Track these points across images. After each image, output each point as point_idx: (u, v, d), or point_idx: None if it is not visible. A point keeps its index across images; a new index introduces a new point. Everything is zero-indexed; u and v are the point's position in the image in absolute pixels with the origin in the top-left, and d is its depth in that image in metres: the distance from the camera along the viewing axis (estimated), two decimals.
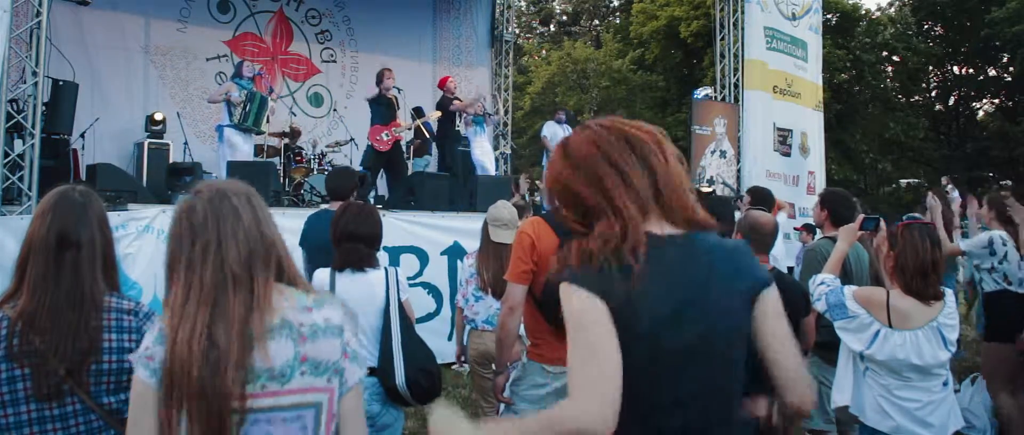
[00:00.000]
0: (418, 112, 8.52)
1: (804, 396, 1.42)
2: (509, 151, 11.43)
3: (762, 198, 4.83)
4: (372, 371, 2.74)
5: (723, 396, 1.37)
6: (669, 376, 1.31)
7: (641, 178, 1.37)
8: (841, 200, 3.80)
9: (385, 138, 7.78)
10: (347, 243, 2.87)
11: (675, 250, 1.35)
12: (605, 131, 1.42)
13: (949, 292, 2.74)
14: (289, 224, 5.52)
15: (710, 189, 8.39)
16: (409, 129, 8.16)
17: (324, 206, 5.43)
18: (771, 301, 1.42)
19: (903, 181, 22.29)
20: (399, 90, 8.02)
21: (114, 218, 4.58)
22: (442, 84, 8.80)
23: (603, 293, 1.28)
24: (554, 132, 9.54)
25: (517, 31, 20.26)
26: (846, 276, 3.27)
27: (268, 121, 7.69)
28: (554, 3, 30.87)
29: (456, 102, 8.45)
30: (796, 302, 2.98)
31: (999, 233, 4.32)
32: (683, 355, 1.31)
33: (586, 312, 1.28)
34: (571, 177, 1.42)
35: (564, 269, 1.35)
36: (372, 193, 7.98)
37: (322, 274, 2.86)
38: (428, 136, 8.55)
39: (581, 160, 1.41)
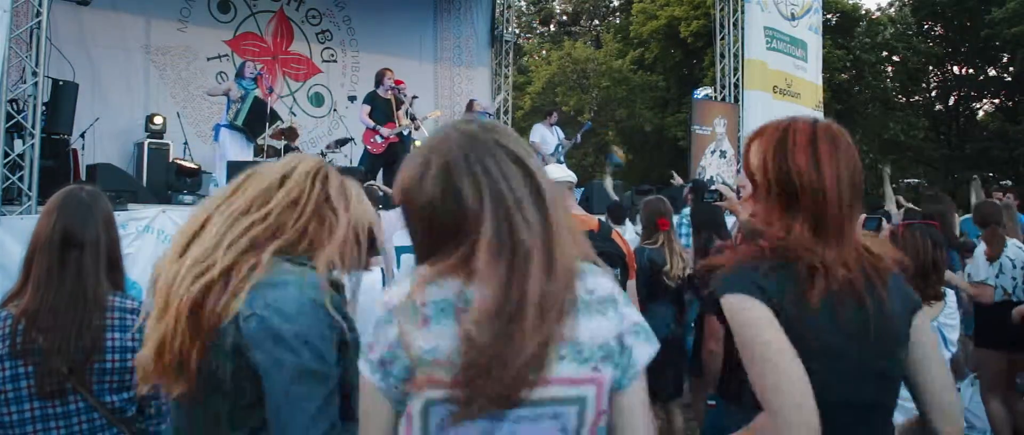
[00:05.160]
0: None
1: (954, 425, 1.40)
2: None
3: (699, 189, 4.86)
4: None
5: (881, 411, 1.38)
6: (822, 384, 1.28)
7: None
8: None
9: (379, 141, 7.79)
10: None
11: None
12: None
13: (950, 292, 2.74)
14: None
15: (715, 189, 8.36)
16: (414, 128, 8.14)
17: None
18: (922, 324, 1.40)
19: (903, 181, 22.30)
20: (415, 97, 8.11)
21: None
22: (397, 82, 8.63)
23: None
24: (544, 136, 9.14)
25: (517, 31, 20.22)
26: None
27: (272, 127, 7.67)
28: (554, 3, 30.87)
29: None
30: None
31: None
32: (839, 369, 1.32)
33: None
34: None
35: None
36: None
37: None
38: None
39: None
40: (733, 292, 1.32)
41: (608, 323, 1.12)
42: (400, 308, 1.09)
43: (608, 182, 8.60)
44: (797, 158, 1.34)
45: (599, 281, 1.15)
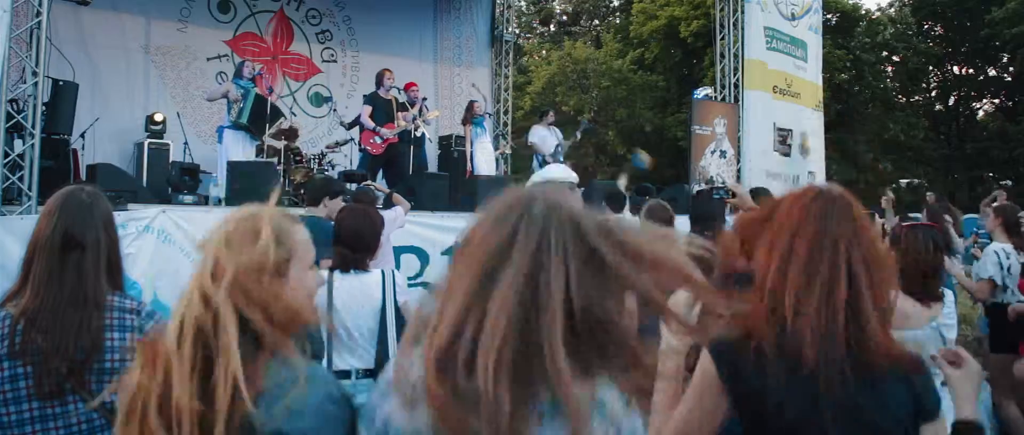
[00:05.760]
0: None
1: None
2: (509, 151, 11.42)
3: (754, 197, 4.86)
4: (368, 372, 2.81)
5: None
6: None
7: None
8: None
9: (378, 142, 7.80)
10: (338, 245, 2.92)
11: None
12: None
13: (948, 293, 2.75)
14: None
15: (708, 188, 8.34)
16: (414, 127, 8.13)
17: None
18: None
19: (903, 181, 22.29)
20: (425, 99, 8.12)
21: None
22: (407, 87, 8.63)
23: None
24: (543, 137, 9.04)
25: (517, 31, 20.24)
26: None
27: (275, 124, 7.66)
28: (554, 3, 30.87)
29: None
30: None
31: (1001, 246, 4.32)
32: None
33: None
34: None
35: None
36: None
37: (321, 275, 2.90)
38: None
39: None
40: (710, 351, 1.39)
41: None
42: (397, 384, 1.05)
43: (623, 182, 8.55)
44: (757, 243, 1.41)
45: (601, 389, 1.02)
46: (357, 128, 8.19)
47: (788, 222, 1.38)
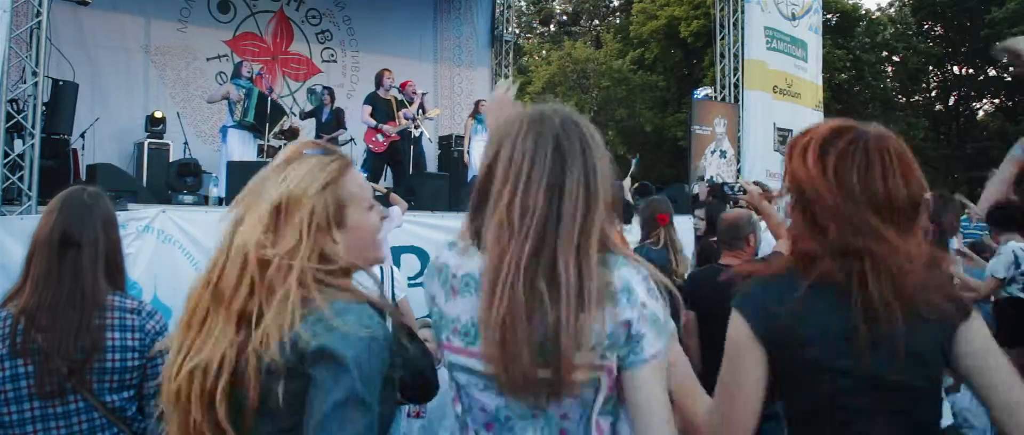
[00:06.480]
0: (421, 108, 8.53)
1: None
2: None
3: (718, 192, 4.86)
4: None
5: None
6: None
7: None
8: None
9: (380, 139, 7.80)
10: None
11: None
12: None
13: None
14: None
15: (707, 186, 8.31)
16: (415, 126, 8.13)
17: None
18: (971, 334, 1.30)
19: None
20: (425, 94, 8.12)
21: None
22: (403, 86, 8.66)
23: None
24: None
25: (517, 31, 20.26)
26: None
27: (277, 124, 7.66)
28: (554, 3, 30.87)
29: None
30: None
31: (1020, 245, 4.33)
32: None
33: None
34: None
35: None
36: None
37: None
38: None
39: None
40: (738, 308, 1.37)
41: (619, 312, 1.16)
42: (440, 272, 1.32)
43: (626, 183, 8.54)
44: (803, 165, 1.36)
45: (620, 272, 1.19)
46: (362, 127, 8.17)
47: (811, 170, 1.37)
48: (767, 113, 10.02)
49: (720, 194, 5.07)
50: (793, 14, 10.50)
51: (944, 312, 1.29)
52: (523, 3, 27.39)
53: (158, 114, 8.06)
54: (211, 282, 1.22)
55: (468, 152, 8.85)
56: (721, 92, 10.28)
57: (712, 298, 2.54)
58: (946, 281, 1.39)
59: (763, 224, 4.33)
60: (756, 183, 3.20)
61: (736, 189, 3.09)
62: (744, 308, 1.36)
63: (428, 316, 1.29)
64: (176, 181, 6.75)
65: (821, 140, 1.37)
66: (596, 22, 29.98)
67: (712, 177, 9.39)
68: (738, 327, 1.36)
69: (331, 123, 8.26)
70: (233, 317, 1.19)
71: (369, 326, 1.19)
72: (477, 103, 9.19)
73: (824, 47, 12.15)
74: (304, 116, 8.64)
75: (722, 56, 10.24)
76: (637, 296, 1.18)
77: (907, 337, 1.26)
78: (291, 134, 8.59)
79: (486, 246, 1.21)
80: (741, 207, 3.96)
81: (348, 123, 9.01)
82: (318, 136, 7.90)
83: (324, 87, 8.84)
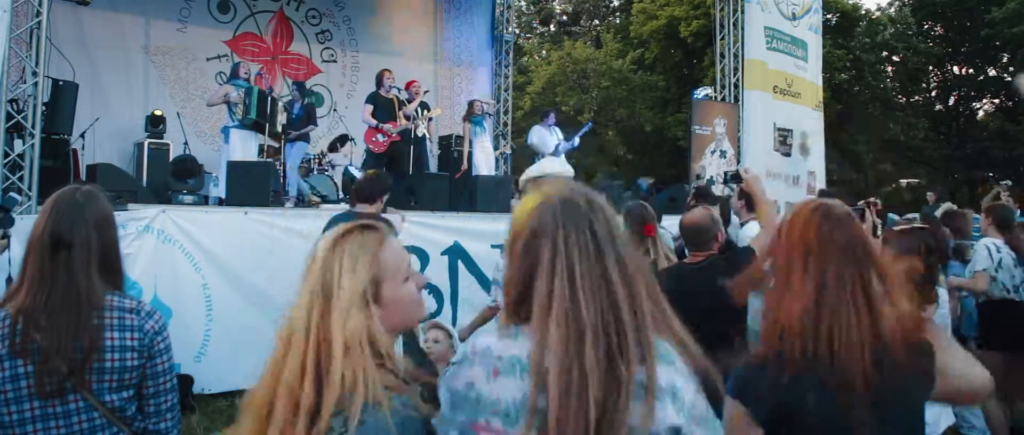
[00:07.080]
0: (425, 107, 8.52)
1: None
2: (509, 151, 11.43)
3: (705, 194, 4.88)
4: None
5: None
6: None
7: None
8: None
9: (380, 139, 7.80)
10: None
11: None
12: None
13: (941, 291, 2.76)
14: (291, 224, 5.53)
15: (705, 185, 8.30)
16: (414, 126, 8.12)
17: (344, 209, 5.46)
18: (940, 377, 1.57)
19: (903, 181, 22.29)
20: (427, 91, 8.12)
21: None
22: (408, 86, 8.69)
23: None
24: (543, 137, 9.10)
25: (517, 31, 20.24)
26: None
27: (277, 123, 7.65)
28: (554, 3, 30.86)
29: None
30: None
31: (992, 240, 4.31)
32: None
33: None
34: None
35: None
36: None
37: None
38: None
39: None
40: (732, 396, 1.46)
41: (664, 414, 1.17)
42: (481, 355, 1.25)
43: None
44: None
45: (665, 370, 1.19)
46: (363, 126, 8.16)
47: (801, 242, 1.50)
48: (767, 113, 10.01)
49: (706, 195, 5.07)
50: (793, 14, 10.49)
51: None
52: (523, 3, 27.39)
53: (158, 113, 8.05)
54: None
55: (469, 154, 8.84)
56: (721, 92, 10.28)
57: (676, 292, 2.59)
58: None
59: (738, 220, 4.33)
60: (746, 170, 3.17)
61: (729, 177, 3.08)
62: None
63: (454, 402, 1.27)
64: (173, 181, 6.72)
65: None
66: (596, 22, 29.96)
67: (711, 177, 9.40)
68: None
69: (301, 119, 8.23)
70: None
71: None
72: (470, 104, 9.17)
73: (824, 47, 12.14)
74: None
75: (722, 56, 10.24)
76: (683, 399, 1.19)
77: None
78: (341, 141, 8.60)
79: (537, 332, 1.19)
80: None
81: (349, 123, 9.03)
82: (288, 131, 7.90)
83: (296, 82, 8.84)
